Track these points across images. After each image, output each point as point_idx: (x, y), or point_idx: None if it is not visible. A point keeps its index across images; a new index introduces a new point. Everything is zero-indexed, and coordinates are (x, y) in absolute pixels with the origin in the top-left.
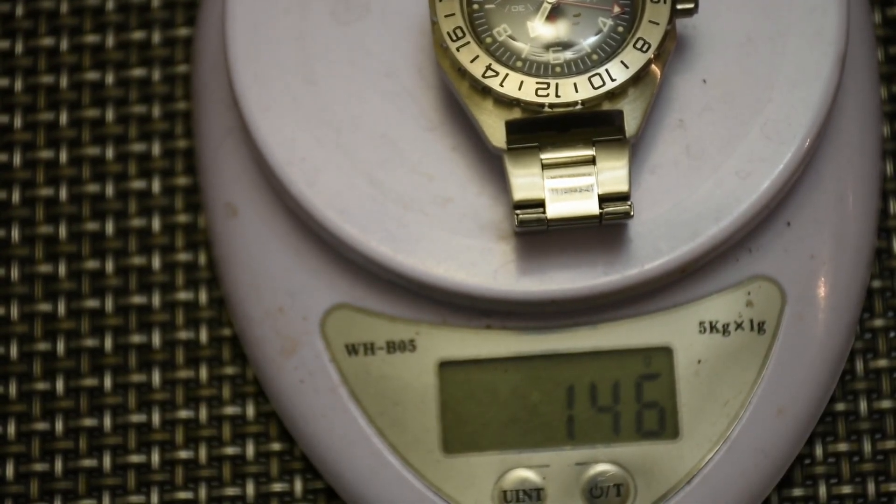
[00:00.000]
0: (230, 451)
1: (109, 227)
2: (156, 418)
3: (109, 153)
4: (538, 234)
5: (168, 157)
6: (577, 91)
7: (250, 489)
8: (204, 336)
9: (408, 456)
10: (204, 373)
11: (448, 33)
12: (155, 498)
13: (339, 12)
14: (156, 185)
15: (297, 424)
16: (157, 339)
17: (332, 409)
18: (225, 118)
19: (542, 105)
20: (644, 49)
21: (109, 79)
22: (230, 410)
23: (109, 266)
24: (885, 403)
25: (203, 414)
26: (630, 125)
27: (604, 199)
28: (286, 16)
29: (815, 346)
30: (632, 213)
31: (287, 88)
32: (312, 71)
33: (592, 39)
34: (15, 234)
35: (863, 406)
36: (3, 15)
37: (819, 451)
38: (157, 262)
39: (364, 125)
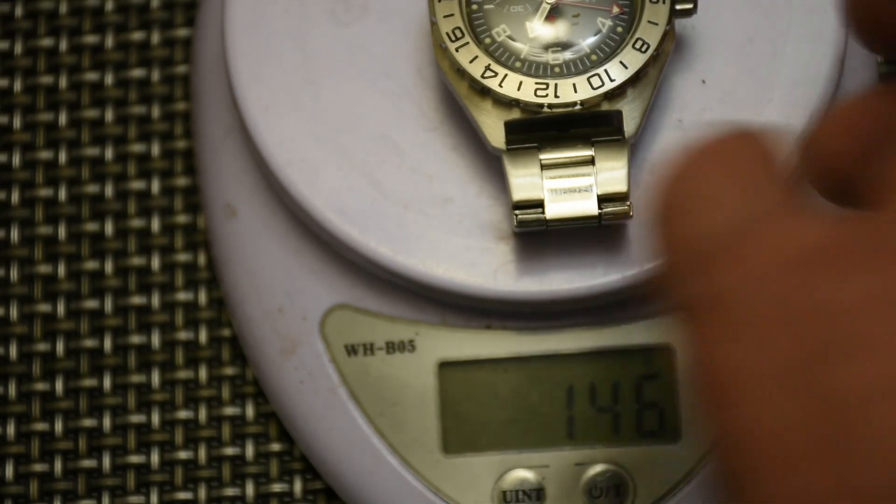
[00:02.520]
0: (230, 451)
1: (109, 228)
2: (155, 419)
3: (109, 154)
4: (538, 235)
5: (167, 157)
6: (576, 91)
7: (250, 489)
8: (203, 336)
9: (407, 456)
10: (203, 373)
11: (447, 34)
12: (154, 498)
13: (338, 12)
14: (155, 186)
15: (297, 425)
16: (156, 340)
17: (331, 410)
18: (224, 118)
19: (541, 105)
20: (643, 49)
21: (109, 79)
22: (230, 411)
23: (109, 267)
24: None
25: (203, 414)
26: (629, 125)
27: (603, 200)
28: (286, 16)
29: None
30: (631, 214)
31: (286, 89)
32: (312, 71)
33: (591, 40)
34: (14, 234)
35: None
36: (3, 15)
37: None
38: (156, 263)
39: (364, 125)
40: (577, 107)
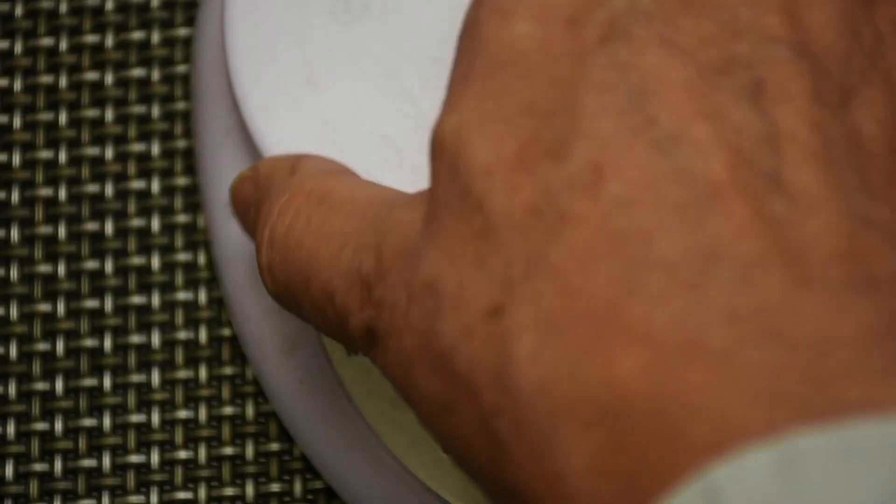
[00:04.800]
0: (229, 451)
1: (109, 228)
2: (155, 418)
3: (109, 153)
4: None
5: (167, 157)
6: None
7: (250, 489)
8: (203, 336)
9: (407, 456)
10: (203, 373)
11: None
12: (154, 498)
13: (338, 12)
14: (155, 186)
15: (297, 425)
16: (156, 340)
17: (331, 410)
18: (224, 118)
19: None
20: None
21: (109, 79)
22: (229, 410)
23: (109, 266)
24: None
25: (202, 414)
26: None
27: None
28: (286, 15)
29: None
30: None
31: (286, 88)
32: (312, 71)
33: None
34: (14, 234)
35: None
36: (3, 15)
37: None
38: (156, 263)
39: (363, 125)
40: None
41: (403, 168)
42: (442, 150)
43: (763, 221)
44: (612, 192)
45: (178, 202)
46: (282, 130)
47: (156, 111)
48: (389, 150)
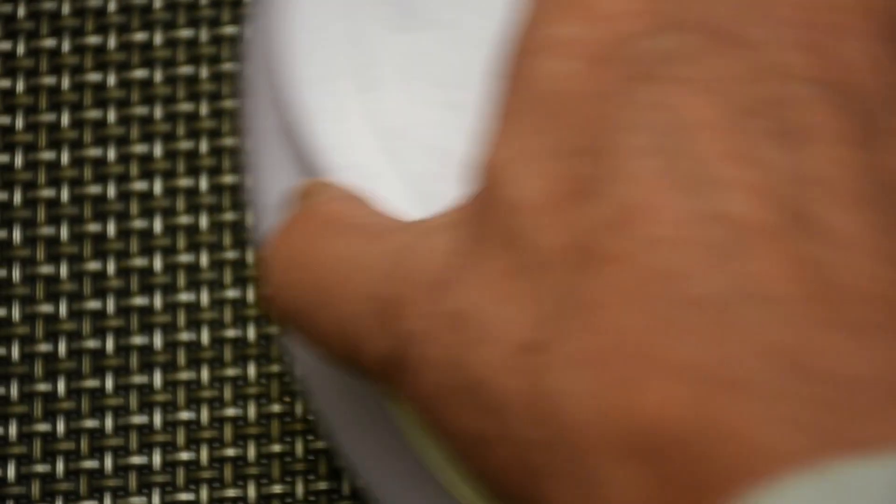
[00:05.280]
0: (231, 452)
1: (111, 229)
2: (157, 420)
3: (111, 155)
4: None
5: (170, 158)
6: None
7: (252, 491)
8: (206, 338)
9: (442, 468)
10: (205, 374)
11: None
12: (156, 499)
13: (395, 21)
14: (158, 187)
15: (338, 428)
16: (158, 341)
17: (372, 416)
18: (277, 120)
19: None
20: None
21: (111, 80)
22: (231, 412)
23: (111, 268)
24: None
25: (204, 415)
26: None
27: None
28: (342, 20)
29: None
30: None
31: (338, 93)
32: (365, 77)
33: None
34: (16, 235)
35: None
36: (5, 16)
37: None
38: (158, 264)
39: (415, 135)
40: None
41: (458, 182)
42: (483, 183)
43: (795, 262)
44: (647, 232)
45: (181, 204)
46: (331, 135)
47: (158, 113)
48: (439, 161)
